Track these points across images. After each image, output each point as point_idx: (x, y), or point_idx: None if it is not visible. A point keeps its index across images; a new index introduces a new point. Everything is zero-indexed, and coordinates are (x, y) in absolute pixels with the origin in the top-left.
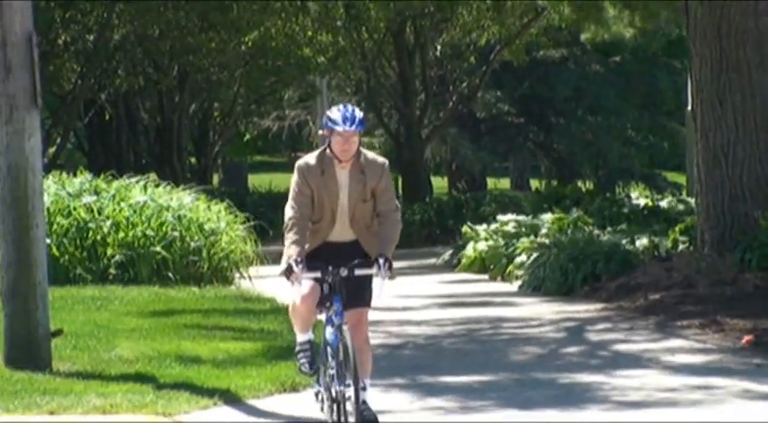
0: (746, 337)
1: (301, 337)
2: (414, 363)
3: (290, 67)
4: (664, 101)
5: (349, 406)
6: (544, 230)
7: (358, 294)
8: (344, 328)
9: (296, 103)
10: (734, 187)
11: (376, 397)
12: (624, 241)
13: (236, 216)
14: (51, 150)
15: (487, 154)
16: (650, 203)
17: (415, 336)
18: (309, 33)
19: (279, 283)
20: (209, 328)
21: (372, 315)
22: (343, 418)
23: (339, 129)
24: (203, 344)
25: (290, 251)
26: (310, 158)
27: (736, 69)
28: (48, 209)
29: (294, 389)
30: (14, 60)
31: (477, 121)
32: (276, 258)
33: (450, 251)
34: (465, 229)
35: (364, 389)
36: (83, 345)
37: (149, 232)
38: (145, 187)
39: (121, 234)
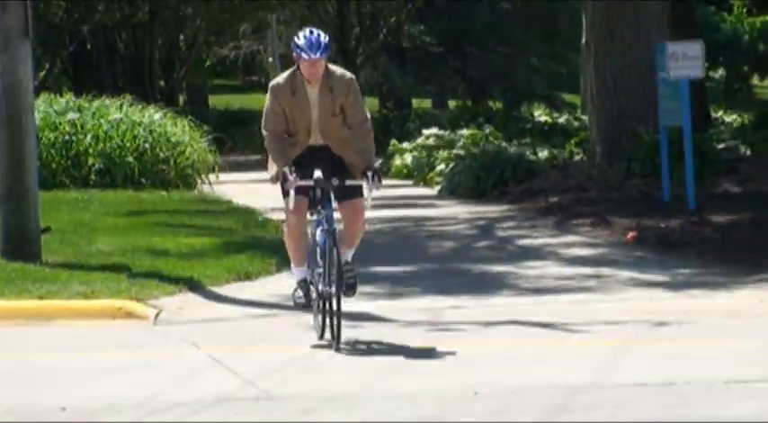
0: (630, 234)
1: (298, 275)
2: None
3: (244, 4)
4: (562, 33)
5: (334, 304)
6: (460, 143)
7: (349, 191)
8: (336, 232)
9: (250, 34)
10: (621, 107)
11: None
12: (528, 152)
13: (197, 131)
14: (41, 75)
15: (412, 78)
16: (550, 120)
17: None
18: None
19: (236, 188)
20: (175, 225)
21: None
22: (328, 318)
23: (305, 56)
24: (170, 239)
25: (278, 163)
26: (281, 79)
27: (622, 6)
28: (37, 124)
29: (248, 277)
30: None
31: (403, 51)
32: (233, 167)
33: (380, 161)
34: (393, 142)
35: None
36: (68, 240)
37: (125, 144)
38: (121, 106)
39: (100, 145)
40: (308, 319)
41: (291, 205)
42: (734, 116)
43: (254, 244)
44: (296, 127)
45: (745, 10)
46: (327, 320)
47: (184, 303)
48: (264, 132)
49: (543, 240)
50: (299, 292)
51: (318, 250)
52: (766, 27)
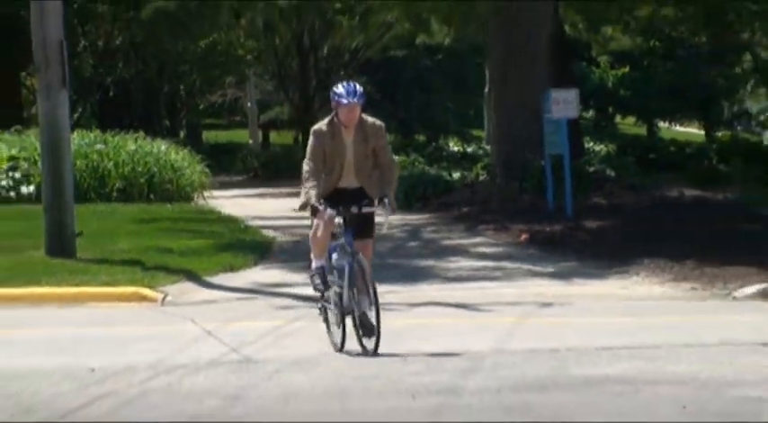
0: (523, 236)
1: (317, 263)
2: (304, 251)
3: (229, 62)
4: (469, 83)
5: (365, 316)
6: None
7: (364, 229)
8: (360, 255)
9: (233, 84)
10: (514, 140)
11: (283, 275)
12: (444, 174)
13: (194, 158)
14: (75, 116)
15: None
16: (461, 150)
17: (301, 232)
18: (241, 40)
19: (223, 202)
20: (177, 230)
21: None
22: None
23: (344, 101)
24: (173, 241)
25: (310, 194)
26: (323, 125)
27: (515, 66)
28: (72, 153)
29: (232, 269)
30: (51, 57)
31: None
32: (221, 186)
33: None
34: None
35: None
36: (95, 241)
37: (138, 169)
38: (136, 140)
39: (120, 170)
40: (278, 301)
41: (321, 228)
42: (601, 146)
43: (237, 245)
44: (332, 165)
45: (609, 64)
46: (359, 332)
47: (184, 289)
48: (305, 168)
49: (457, 241)
50: (317, 279)
51: (336, 272)
52: (625, 77)
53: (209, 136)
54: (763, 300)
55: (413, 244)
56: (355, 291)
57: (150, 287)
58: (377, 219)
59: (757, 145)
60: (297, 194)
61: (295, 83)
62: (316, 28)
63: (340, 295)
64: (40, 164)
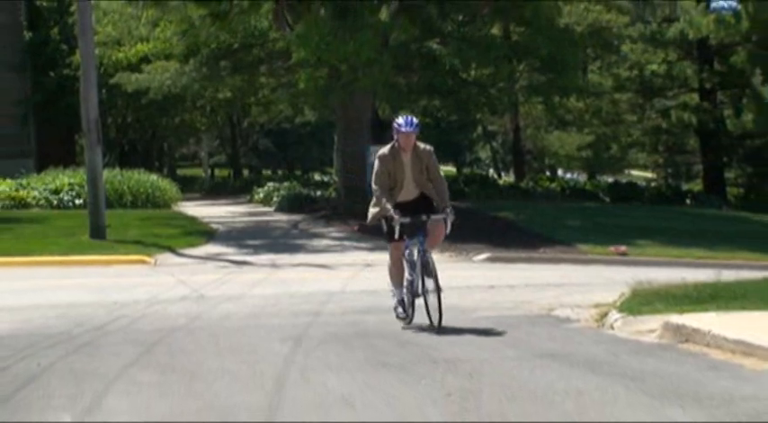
0: (355, 227)
1: (398, 295)
2: (234, 236)
3: (191, 131)
4: (327, 142)
5: (430, 300)
6: (284, 187)
7: (434, 219)
8: (428, 254)
9: (194, 143)
10: (349, 174)
11: (222, 249)
12: (312, 192)
13: (172, 183)
14: (105, 160)
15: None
16: (321, 179)
17: (232, 225)
18: (198, 118)
19: (189, 209)
20: (162, 224)
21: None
22: (431, 310)
23: (403, 130)
24: (160, 230)
25: (385, 208)
26: (386, 150)
27: (350, 132)
28: (104, 181)
29: (193, 246)
30: (91, 127)
31: (266, 152)
32: (186, 200)
33: (249, 197)
34: (254, 188)
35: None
36: (117, 230)
37: (140, 189)
38: (139, 173)
39: (130, 190)
40: (219, 264)
41: (396, 236)
42: None
43: (196, 232)
44: (394, 182)
45: None
46: (428, 311)
47: (167, 257)
48: (374, 187)
49: (318, 230)
50: (400, 309)
51: (408, 266)
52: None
53: (180, 171)
54: (490, 262)
55: (294, 232)
56: (422, 277)
57: (148, 256)
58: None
59: (485, 177)
60: (231, 204)
61: (228, 142)
62: (240, 112)
63: (411, 282)
64: (85, 187)
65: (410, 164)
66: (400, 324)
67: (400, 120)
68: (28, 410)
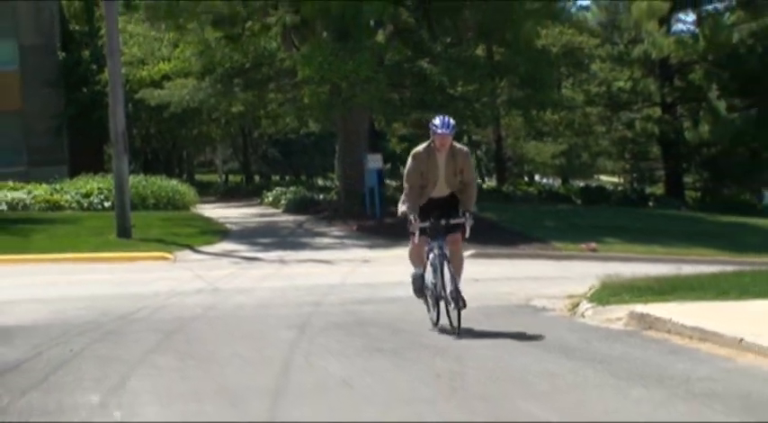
0: (355, 227)
1: (416, 272)
2: (246, 235)
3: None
4: (328, 150)
5: (448, 297)
6: (291, 192)
7: (454, 229)
8: (446, 258)
9: (210, 152)
10: (349, 180)
11: (235, 246)
12: (315, 195)
13: (191, 187)
14: (131, 168)
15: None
16: (324, 184)
17: (244, 225)
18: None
19: (206, 211)
20: (182, 224)
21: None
22: (441, 312)
23: (439, 131)
24: (180, 229)
25: (410, 209)
26: (421, 149)
27: (350, 142)
28: (129, 186)
29: (209, 244)
30: (119, 138)
31: (274, 159)
32: (203, 202)
33: (259, 200)
34: (264, 192)
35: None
36: (141, 230)
37: (162, 193)
38: (160, 179)
39: (153, 193)
40: (232, 260)
41: (417, 240)
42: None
43: (211, 231)
44: (426, 181)
45: (397, 141)
46: (449, 313)
47: (185, 254)
48: (406, 185)
49: (321, 230)
50: (417, 283)
51: (431, 268)
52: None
53: (198, 177)
54: (475, 258)
55: (299, 231)
56: (443, 281)
57: (168, 253)
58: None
59: None
60: (244, 206)
61: (240, 150)
62: (251, 124)
63: (435, 285)
64: (113, 191)
65: (444, 164)
66: (394, 314)
67: (437, 121)
68: (60, 391)
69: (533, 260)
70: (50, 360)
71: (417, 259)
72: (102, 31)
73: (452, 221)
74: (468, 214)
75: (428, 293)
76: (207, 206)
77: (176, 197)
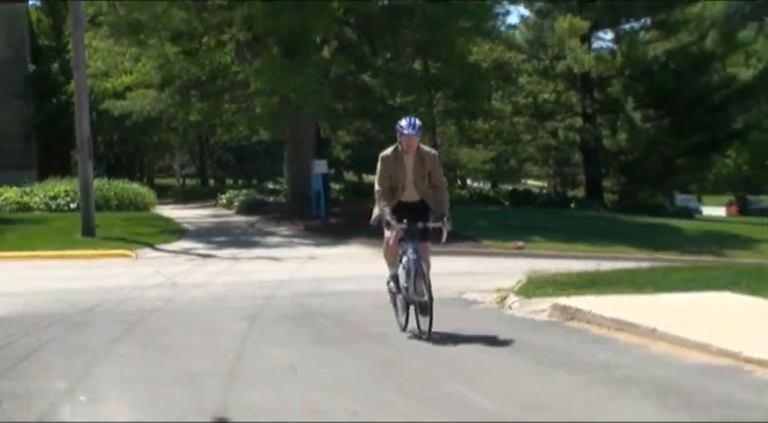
0: (302, 227)
1: (391, 271)
2: (201, 234)
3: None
4: (278, 156)
5: (424, 304)
6: (243, 194)
7: (424, 235)
8: (422, 262)
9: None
10: (297, 183)
11: (192, 244)
12: (266, 198)
13: (150, 191)
14: (96, 172)
15: (228, 173)
16: (274, 187)
17: (200, 225)
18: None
19: (164, 211)
20: (143, 223)
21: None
22: (414, 317)
23: (405, 132)
24: (141, 228)
25: (384, 211)
26: (389, 151)
27: (297, 149)
28: (94, 189)
29: (167, 242)
30: (84, 144)
31: (228, 164)
32: (161, 204)
33: (214, 202)
34: (219, 195)
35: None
36: (105, 229)
37: (124, 195)
38: (123, 182)
39: (116, 195)
40: (189, 257)
41: (392, 240)
42: (337, 186)
43: (171, 230)
44: (396, 184)
45: (342, 147)
46: (418, 317)
47: (146, 251)
48: (377, 187)
49: (272, 229)
50: (392, 284)
51: (404, 272)
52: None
53: (157, 180)
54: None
55: (251, 230)
56: (416, 285)
57: (130, 250)
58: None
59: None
60: (200, 208)
61: (197, 156)
62: (207, 132)
63: (407, 289)
64: (78, 194)
65: (412, 167)
66: (338, 306)
67: (403, 122)
68: (29, 378)
69: (466, 257)
70: (21, 349)
71: (393, 259)
72: (69, 46)
73: (431, 225)
74: (445, 219)
75: (400, 295)
76: (165, 207)
77: (137, 199)
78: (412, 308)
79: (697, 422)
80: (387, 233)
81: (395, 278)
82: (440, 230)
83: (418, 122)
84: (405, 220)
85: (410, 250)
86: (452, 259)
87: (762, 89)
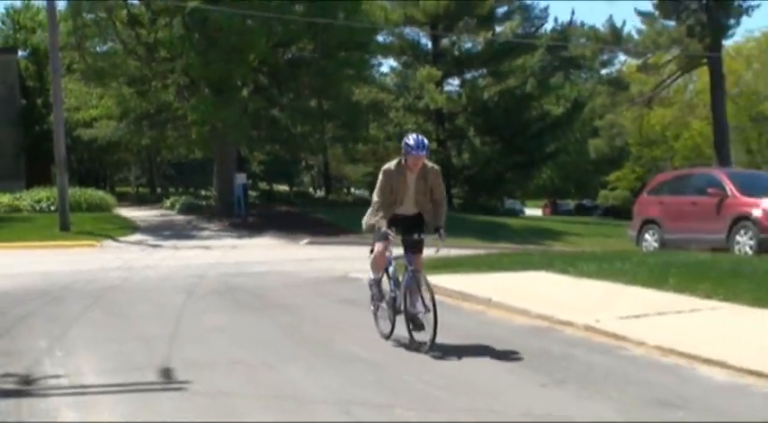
0: (227, 223)
1: (375, 276)
2: (151, 229)
3: (125, 164)
4: (208, 170)
5: (419, 318)
6: (169, 201)
7: (417, 247)
8: (418, 273)
9: (127, 169)
10: (223, 189)
11: (145, 237)
12: (200, 202)
13: (113, 197)
14: (69, 182)
15: (171, 183)
16: (207, 194)
17: (150, 222)
18: (130, 156)
19: (122, 211)
20: (106, 221)
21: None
22: (405, 327)
23: (413, 153)
24: (105, 225)
25: (380, 222)
26: (392, 166)
27: (223, 162)
28: (68, 194)
29: (125, 235)
30: (61, 160)
31: (171, 176)
32: (122, 207)
33: (161, 205)
34: (164, 199)
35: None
36: (77, 225)
37: (92, 199)
38: (91, 190)
39: (85, 199)
40: (142, 247)
41: (381, 249)
42: (256, 193)
43: (128, 226)
44: (395, 198)
45: (259, 163)
46: (410, 330)
47: (108, 243)
48: (375, 199)
49: (204, 225)
50: (375, 289)
51: (392, 282)
52: (265, 165)
53: (117, 189)
54: (310, 245)
55: (189, 226)
56: (408, 296)
57: (97, 241)
58: (429, 248)
59: (306, 192)
60: (150, 209)
61: (147, 170)
62: (155, 152)
63: (394, 299)
64: (57, 199)
65: (414, 183)
66: (255, 284)
67: (411, 141)
68: (18, 339)
69: (352, 246)
70: (12, 317)
71: (379, 267)
72: (50, 87)
73: (423, 235)
74: (441, 232)
75: (386, 305)
76: (123, 209)
77: (102, 203)
78: (399, 317)
79: (526, 369)
80: (377, 246)
81: (377, 283)
82: (422, 248)
83: (426, 141)
84: (398, 230)
85: (406, 262)
86: (341, 248)
87: (568, 123)
